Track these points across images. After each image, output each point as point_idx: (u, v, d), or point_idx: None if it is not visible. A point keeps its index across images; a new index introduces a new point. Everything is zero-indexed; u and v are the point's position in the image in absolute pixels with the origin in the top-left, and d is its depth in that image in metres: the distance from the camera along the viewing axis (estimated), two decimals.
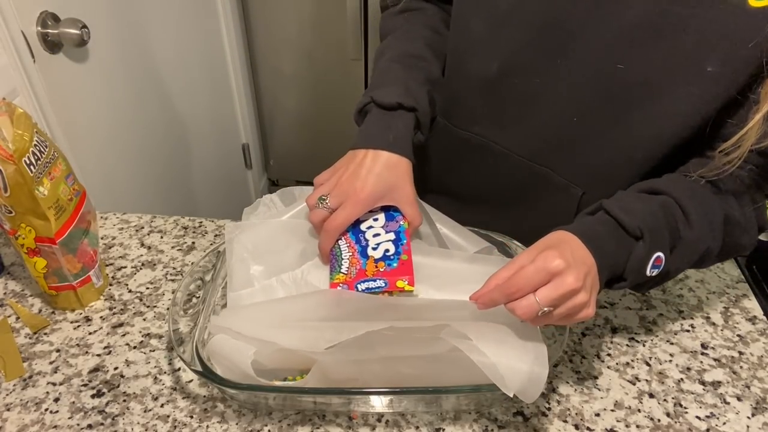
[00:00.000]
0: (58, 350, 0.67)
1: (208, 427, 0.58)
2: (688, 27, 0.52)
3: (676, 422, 0.59)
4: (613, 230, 0.53)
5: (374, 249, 0.63)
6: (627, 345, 0.68)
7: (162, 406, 0.60)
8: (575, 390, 0.62)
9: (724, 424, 0.59)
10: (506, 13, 0.62)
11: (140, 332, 0.69)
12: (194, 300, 0.65)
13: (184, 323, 0.60)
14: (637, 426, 0.59)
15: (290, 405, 0.59)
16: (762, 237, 0.64)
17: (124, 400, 0.61)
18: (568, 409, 0.60)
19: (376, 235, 0.64)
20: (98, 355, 0.66)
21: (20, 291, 0.75)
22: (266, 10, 1.92)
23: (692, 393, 0.62)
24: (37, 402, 0.61)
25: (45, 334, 0.69)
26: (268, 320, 0.58)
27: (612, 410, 0.60)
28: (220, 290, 0.65)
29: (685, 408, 0.61)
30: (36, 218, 0.63)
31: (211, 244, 0.83)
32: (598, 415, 0.59)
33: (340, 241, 0.64)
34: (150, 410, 0.60)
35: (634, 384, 0.63)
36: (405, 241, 0.63)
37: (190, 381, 0.63)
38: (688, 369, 0.65)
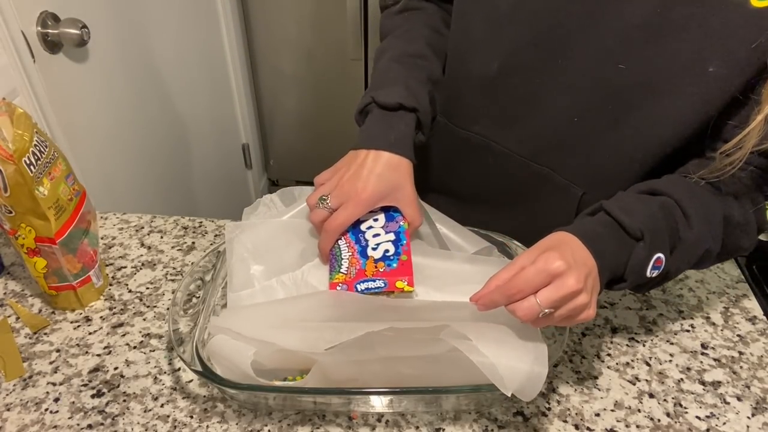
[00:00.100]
0: (58, 350, 0.67)
1: (208, 427, 0.58)
2: (690, 27, 0.52)
3: (676, 422, 0.59)
4: (613, 231, 0.53)
5: (374, 249, 0.63)
6: (627, 345, 0.68)
7: (162, 406, 0.60)
8: (575, 390, 0.62)
9: (724, 424, 0.59)
10: (507, 13, 0.62)
11: (140, 332, 0.69)
12: (194, 300, 0.65)
13: (184, 323, 0.60)
14: (637, 426, 0.59)
15: (290, 405, 0.59)
16: (762, 237, 0.64)
17: (124, 400, 0.61)
18: (568, 409, 0.60)
19: (376, 235, 0.64)
20: (98, 355, 0.66)
21: (20, 291, 0.75)
22: (266, 10, 1.92)
23: (692, 393, 0.62)
24: (37, 402, 0.61)
25: (45, 334, 0.69)
26: (267, 321, 0.58)
27: (612, 410, 0.60)
28: (220, 290, 0.65)
29: (685, 408, 0.61)
30: (36, 218, 0.63)
31: (211, 244, 0.83)
32: (598, 415, 0.60)
33: (339, 241, 0.64)
34: (150, 410, 0.60)
35: (634, 384, 0.63)
36: (405, 242, 0.63)
37: (190, 381, 0.63)
38: (688, 369, 0.65)
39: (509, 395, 0.48)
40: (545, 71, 0.62)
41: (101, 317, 0.71)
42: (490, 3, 0.64)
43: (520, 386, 0.49)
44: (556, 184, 0.68)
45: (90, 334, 0.69)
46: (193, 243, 0.83)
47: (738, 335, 0.69)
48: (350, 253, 0.63)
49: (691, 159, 0.59)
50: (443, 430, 0.58)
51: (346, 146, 0.65)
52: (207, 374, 0.54)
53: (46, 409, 0.60)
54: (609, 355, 0.66)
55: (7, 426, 0.58)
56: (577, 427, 0.58)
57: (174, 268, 0.79)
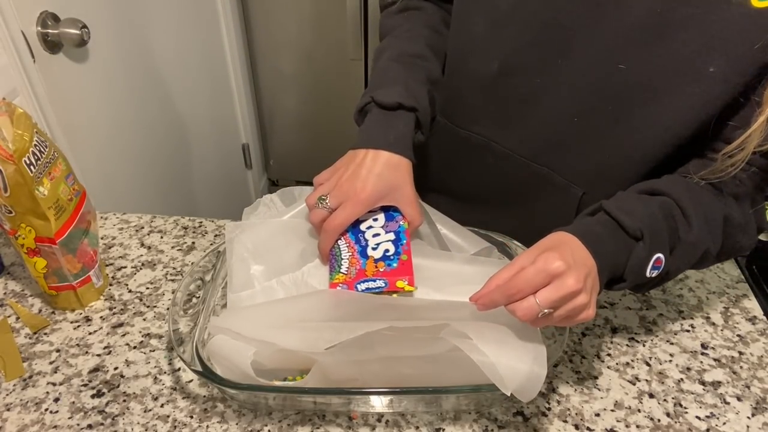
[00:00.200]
0: (58, 350, 0.67)
1: (208, 427, 0.58)
2: (690, 27, 0.52)
3: (676, 422, 0.59)
4: (613, 231, 0.53)
5: (374, 249, 0.63)
6: (627, 345, 0.68)
7: (162, 406, 0.60)
8: (575, 390, 0.62)
9: (724, 424, 0.59)
10: (507, 13, 0.62)
11: (140, 332, 0.69)
12: (194, 300, 0.65)
13: (184, 323, 0.60)
14: (637, 426, 0.59)
15: (290, 405, 0.59)
16: (762, 237, 0.64)
17: (124, 400, 0.61)
18: (568, 409, 0.60)
19: (376, 235, 0.64)
20: (98, 355, 0.66)
21: (20, 291, 0.75)
22: (266, 10, 1.92)
23: (692, 393, 0.62)
24: (37, 402, 0.61)
25: (45, 334, 0.69)
26: (267, 321, 0.58)
27: (612, 410, 0.60)
28: (220, 290, 0.65)
29: (685, 408, 0.61)
30: (36, 218, 0.63)
31: (211, 244, 0.83)
32: (598, 415, 0.60)
33: (339, 241, 0.64)
34: (150, 410, 0.60)
35: (634, 384, 0.63)
36: (405, 242, 0.63)
37: (190, 381, 0.63)
38: (688, 369, 0.65)
39: (509, 395, 0.48)
40: (545, 71, 0.62)
41: (101, 317, 0.71)
42: (490, 3, 0.64)
43: (519, 386, 0.49)
44: (556, 184, 0.68)
45: (90, 334, 0.69)
46: (193, 243, 0.83)
47: (738, 335, 0.69)
48: (350, 253, 0.63)
49: (691, 159, 0.59)
50: (443, 430, 0.58)
51: (346, 146, 0.65)
52: (207, 374, 0.54)
53: (46, 409, 0.60)
54: (609, 355, 0.66)
55: (7, 426, 0.58)
56: (577, 427, 0.58)
57: (174, 268, 0.79)
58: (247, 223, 0.67)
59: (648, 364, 0.65)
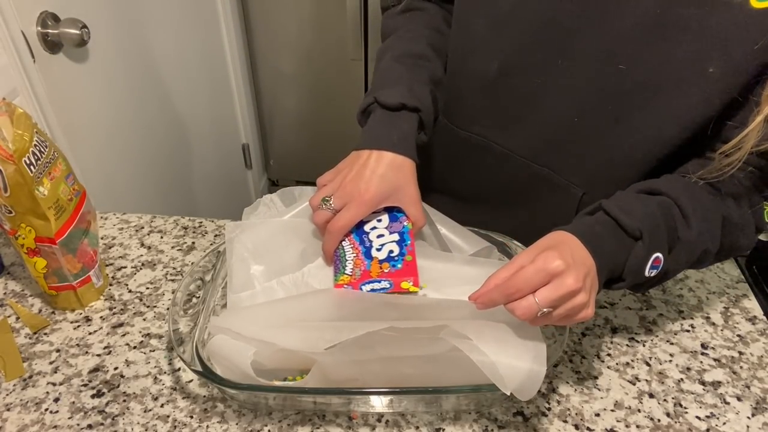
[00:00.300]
0: (58, 350, 0.67)
1: (208, 427, 0.58)
2: (690, 28, 0.52)
3: (676, 422, 0.59)
4: (612, 231, 0.53)
5: (378, 250, 0.63)
6: (627, 345, 0.68)
7: (162, 406, 0.60)
8: (575, 390, 0.62)
9: (724, 424, 0.59)
10: (507, 13, 0.62)
11: (140, 332, 0.69)
12: (194, 300, 0.65)
13: (184, 323, 0.60)
14: (637, 426, 0.59)
15: (290, 405, 0.59)
16: (762, 237, 0.64)
17: (124, 400, 0.61)
18: (568, 409, 0.60)
19: (380, 236, 0.64)
20: (98, 355, 0.66)
21: (20, 291, 0.75)
22: (266, 10, 1.92)
23: (692, 393, 0.62)
24: (37, 402, 0.61)
25: (45, 334, 0.69)
26: (267, 320, 0.58)
27: (612, 410, 0.60)
28: (220, 290, 0.65)
29: (685, 408, 0.61)
30: (36, 218, 0.63)
31: (211, 244, 0.83)
32: (598, 415, 0.60)
33: (343, 243, 0.64)
34: (150, 410, 0.60)
35: (634, 384, 0.63)
36: (409, 242, 0.63)
37: (190, 381, 0.63)
38: (688, 369, 0.65)
39: (508, 393, 0.48)
40: (545, 71, 0.62)
41: (101, 317, 0.71)
42: (490, 3, 0.64)
43: (519, 385, 0.49)
44: (556, 185, 0.69)
45: (90, 334, 0.69)
46: (193, 243, 0.83)
47: (738, 335, 0.69)
48: (354, 255, 0.63)
49: (690, 159, 0.59)
50: (443, 430, 0.58)
51: (346, 146, 0.65)
52: (207, 374, 0.54)
53: (46, 409, 0.60)
54: (609, 355, 0.66)
55: (7, 426, 0.58)
56: (577, 427, 0.58)
57: (174, 268, 0.79)
58: (247, 223, 0.67)
59: (648, 364, 0.65)
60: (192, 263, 0.79)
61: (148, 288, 0.75)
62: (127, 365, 0.65)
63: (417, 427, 0.58)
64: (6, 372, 0.64)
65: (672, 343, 0.68)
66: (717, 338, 0.69)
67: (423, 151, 0.66)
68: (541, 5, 0.59)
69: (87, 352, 0.66)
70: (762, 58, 0.50)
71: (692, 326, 0.70)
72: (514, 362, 0.49)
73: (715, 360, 0.66)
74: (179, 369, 0.64)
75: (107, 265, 0.79)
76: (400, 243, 0.63)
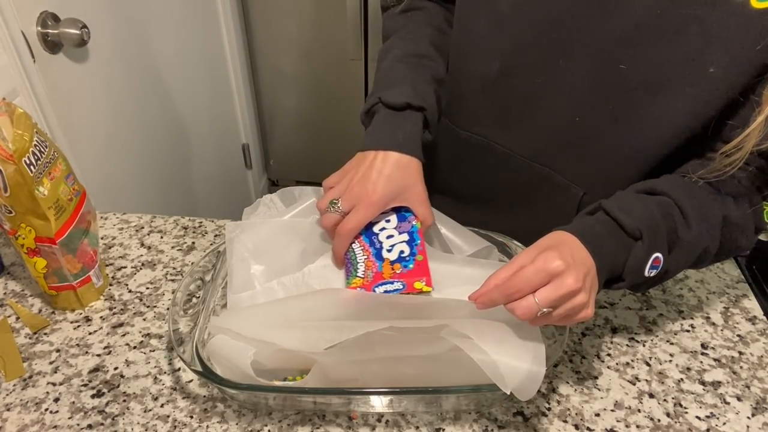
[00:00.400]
0: (58, 350, 0.67)
1: (208, 427, 0.58)
2: (690, 28, 0.52)
3: (676, 422, 0.59)
4: (612, 230, 0.53)
5: (389, 251, 0.62)
6: (627, 345, 0.68)
7: (162, 406, 0.60)
8: (575, 390, 0.62)
9: (724, 424, 0.59)
10: (508, 13, 0.62)
11: (140, 332, 0.69)
12: (194, 300, 0.65)
13: (184, 323, 0.60)
14: (637, 426, 0.59)
15: (290, 405, 0.59)
16: (762, 237, 0.64)
17: (124, 400, 0.61)
18: (568, 409, 0.60)
19: (390, 236, 0.63)
20: (98, 355, 0.66)
21: (20, 291, 0.75)
22: (266, 10, 1.92)
23: (692, 393, 0.62)
24: (37, 402, 0.61)
25: (45, 334, 0.69)
26: (267, 320, 0.58)
27: (612, 410, 0.60)
28: (220, 290, 0.65)
29: (685, 408, 0.61)
30: (36, 218, 0.63)
31: (211, 244, 0.83)
32: (598, 415, 0.60)
33: (353, 245, 0.63)
34: (150, 410, 0.60)
35: (634, 384, 0.63)
36: (419, 241, 0.63)
37: (190, 381, 0.63)
38: (688, 369, 0.65)
39: (508, 392, 0.48)
40: (546, 71, 0.62)
41: (101, 317, 0.71)
42: (491, 3, 0.64)
43: (519, 385, 0.49)
44: (557, 185, 0.69)
45: (90, 334, 0.69)
46: (193, 243, 0.83)
47: (738, 335, 0.69)
48: (365, 256, 0.63)
49: (690, 159, 0.59)
50: (443, 430, 0.58)
51: (347, 146, 0.65)
52: (207, 374, 0.54)
53: (46, 409, 0.60)
54: (609, 355, 0.66)
55: (7, 426, 0.58)
56: (577, 427, 0.58)
57: (174, 268, 0.79)
58: (247, 222, 0.67)
59: (648, 364, 0.65)
60: (192, 263, 0.79)
61: (148, 288, 0.75)
62: (127, 365, 0.65)
63: (417, 427, 0.58)
64: (6, 372, 0.64)
65: (672, 343, 0.68)
66: (717, 338, 0.69)
67: (424, 151, 0.66)
68: (542, 5, 0.59)
69: (87, 352, 0.66)
70: (763, 58, 0.50)
71: (692, 326, 0.70)
72: (514, 362, 0.49)
73: (715, 360, 0.66)
74: (179, 369, 0.64)
75: (107, 265, 0.79)
76: (410, 243, 0.63)
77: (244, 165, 2.12)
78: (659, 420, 0.59)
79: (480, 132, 0.73)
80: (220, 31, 1.78)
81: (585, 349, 0.67)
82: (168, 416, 0.59)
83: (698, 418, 0.60)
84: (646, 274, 0.54)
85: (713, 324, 0.71)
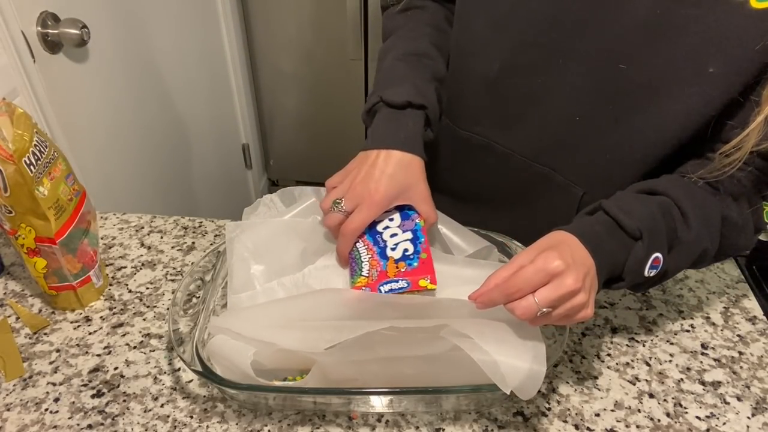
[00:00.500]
0: (58, 350, 0.67)
1: (208, 427, 0.58)
2: (690, 28, 0.52)
3: (676, 422, 0.59)
4: (612, 230, 0.53)
5: (393, 249, 0.62)
6: (627, 345, 0.68)
7: (162, 406, 0.60)
8: (575, 390, 0.62)
9: (724, 424, 0.59)
10: (508, 13, 0.62)
11: (140, 332, 0.69)
12: (194, 300, 0.65)
13: (184, 323, 0.60)
14: (637, 426, 0.59)
15: (290, 405, 0.59)
16: (762, 237, 0.64)
17: (124, 400, 0.61)
18: (568, 409, 0.60)
19: (394, 235, 0.63)
20: (98, 355, 0.66)
21: (20, 291, 0.75)
22: (266, 10, 1.92)
23: (692, 393, 0.62)
24: (37, 402, 0.61)
25: (45, 334, 0.69)
26: (267, 320, 0.58)
27: (612, 410, 0.60)
28: (220, 290, 0.65)
29: (685, 408, 0.61)
30: (36, 218, 0.63)
31: (211, 244, 0.83)
32: (598, 415, 0.60)
33: (357, 244, 0.63)
34: (150, 410, 0.60)
35: (634, 384, 0.63)
36: (423, 240, 0.63)
37: (190, 381, 0.63)
38: (688, 369, 0.65)
39: (508, 392, 0.48)
40: (546, 71, 0.62)
41: (101, 317, 0.71)
42: (491, 3, 0.64)
43: (519, 384, 0.49)
44: (557, 184, 0.69)
45: (90, 334, 0.69)
46: (193, 243, 0.83)
47: (738, 335, 0.69)
48: (370, 255, 0.63)
49: (690, 159, 0.59)
50: (443, 430, 0.58)
51: (347, 146, 0.65)
52: (207, 374, 0.54)
53: (46, 409, 0.60)
54: (609, 355, 0.66)
55: (7, 426, 0.58)
56: (577, 427, 0.58)
57: (174, 268, 0.79)
58: (247, 222, 0.67)
59: (648, 364, 0.65)
60: (192, 263, 0.79)
61: (148, 288, 0.75)
62: (127, 365, 0.65)
63: (417, 427, 0.58)
64: (6, 372, 0.64)
65: (672, 343, 0.68)
66: (717, 338, 0.69)
67: (424, 150, 0.66)
68: (542, 5, 0.59)
69: (87, 352, 0.66)
70: (762, 58, 0.50)
71: (692, 326, 0.70)
72: (515, 362, 0.49)
73: (715, 360, 0.66)
74: (179, 369, 0.64)
75: (107, 265, 0.79)
76: (414, 241, 0.63)
77: (244, 165, 2.12)
78: (659, 420, 0.59)
79: (480, 132, 0.73)
80: (220, 30, 1.78)
81: (585, 349, 0.67)
82: (168, 416, 0.59)
83: (698, 418, 0.60)
84: (646, 274, 0.54)
85: (713, 324, 0.71)
